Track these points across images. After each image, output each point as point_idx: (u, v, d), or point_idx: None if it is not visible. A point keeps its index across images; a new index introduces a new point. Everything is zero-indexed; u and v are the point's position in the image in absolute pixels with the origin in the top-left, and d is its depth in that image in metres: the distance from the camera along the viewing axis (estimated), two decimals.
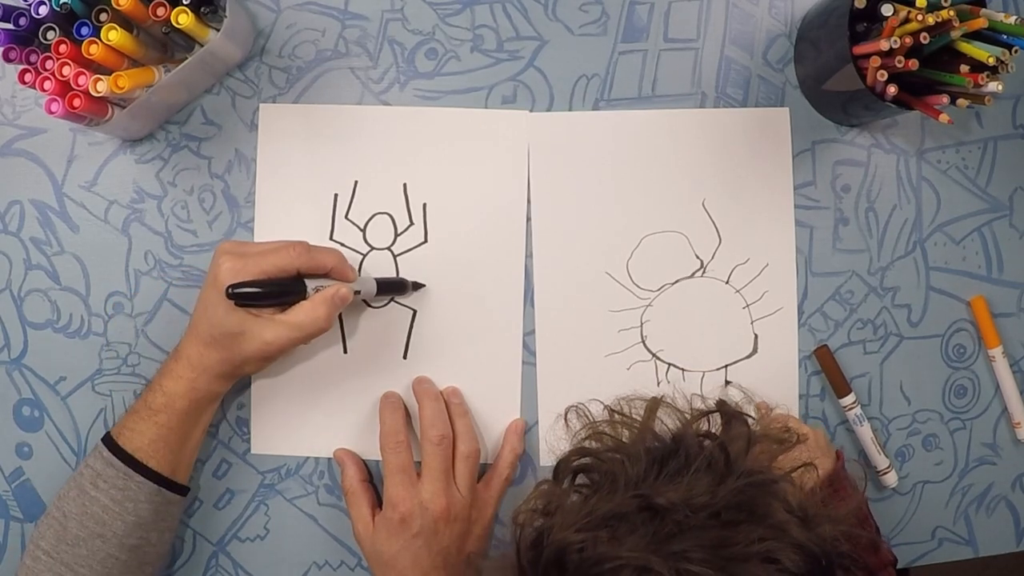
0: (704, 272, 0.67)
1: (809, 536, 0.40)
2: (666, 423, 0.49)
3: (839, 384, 0.67)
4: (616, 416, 0.52)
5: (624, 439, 0.49)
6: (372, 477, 0.64)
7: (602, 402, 0.54)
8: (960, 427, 0.69)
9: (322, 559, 0.66)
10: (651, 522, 0.40)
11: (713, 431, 0.47)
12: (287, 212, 0.65)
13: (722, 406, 0.49)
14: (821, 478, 0.59)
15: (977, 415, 0.70)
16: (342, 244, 0.65)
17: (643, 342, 0.67)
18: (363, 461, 0.64)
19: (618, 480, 0.43)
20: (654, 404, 0.50)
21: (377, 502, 0.62)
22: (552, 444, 0.52)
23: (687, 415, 0.49)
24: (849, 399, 0.67)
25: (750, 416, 0.48)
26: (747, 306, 0.67)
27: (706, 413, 0.48)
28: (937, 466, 0.69)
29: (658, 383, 0.66)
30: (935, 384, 0.69)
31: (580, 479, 0.47)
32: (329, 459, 0.65)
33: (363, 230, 0.65)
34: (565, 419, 0.57)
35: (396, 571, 0.59)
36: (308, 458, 0.65)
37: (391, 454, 0.60)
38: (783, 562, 0.38)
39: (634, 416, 0.51)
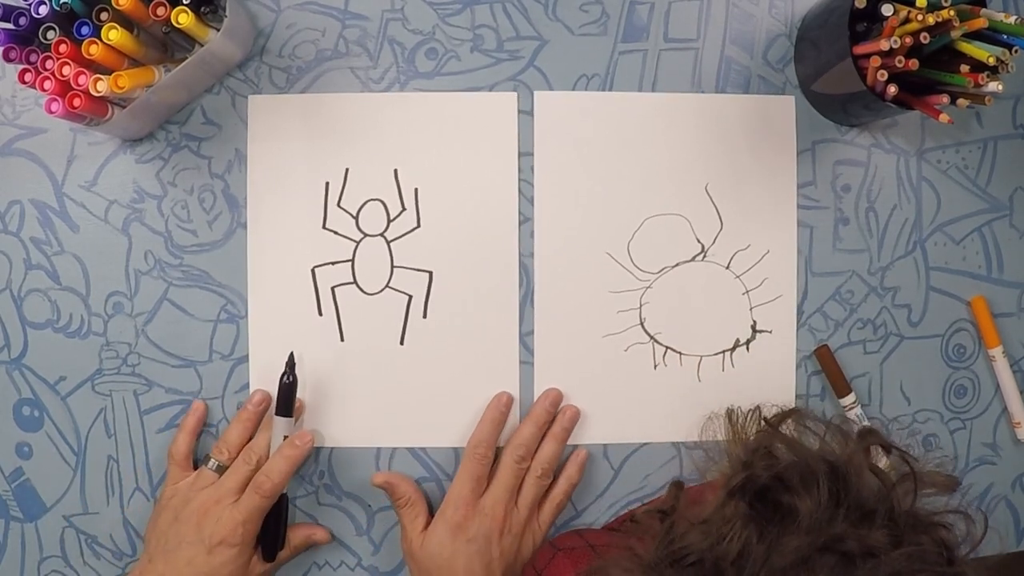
0: (705, 256, 0.67)
1: None
2: (809, 436, 0.50)
3: (839, 384, 0.67)
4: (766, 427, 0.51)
5: (781, 455, 0.47)
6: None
7: (760, 409, 0.55)
8: (960, 427, 0.69)
9: (322, 559, 0.66)
10: (843, 570, 0.40)
11: (877, 464, 0.47)
12: (279, 204, 0.65)
13: (876, 437, 0.49)
14: None
15: (977, 415, 0.70)
16: (335, 232, 0.65)
17: (641, 324, 0.67)
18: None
19: (799, 515, 0.42)
20: (789, 415, 0.51)
21: (428, 511, 0.64)
22: (705, 454, 0.53)
23: (848, 442, 0.48)
24: (849, 399, 0.67)
25: (909, 455, 0.49)
26: (747, 292, 0.67)
27: (868, 443, 0.48)
28: (937, 466, 0.69)
29: (655, 366, 0.67)
30: (935, 384, 0.69)
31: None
32: (329, 459, 0.65)
33: (356, 217, 0.65)
34: (729, 420, 0.58)
35: (450, 574, 0.59)
36: (308, 458, 0.65)
37: (473, 463, 0.62)
38: None
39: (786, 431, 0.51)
